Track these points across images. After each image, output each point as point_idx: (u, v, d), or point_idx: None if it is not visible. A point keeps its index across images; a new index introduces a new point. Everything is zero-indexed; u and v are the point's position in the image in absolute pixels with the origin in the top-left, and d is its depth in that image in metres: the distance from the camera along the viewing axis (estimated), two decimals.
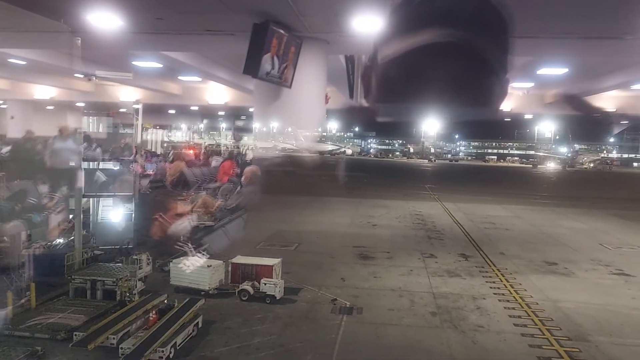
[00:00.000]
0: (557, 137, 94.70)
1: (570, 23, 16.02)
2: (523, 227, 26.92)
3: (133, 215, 16.66)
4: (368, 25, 15.23)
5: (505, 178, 64.03)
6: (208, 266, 13.73)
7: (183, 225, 17.73)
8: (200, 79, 41.00)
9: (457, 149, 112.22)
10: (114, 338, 10.03)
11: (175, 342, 10.08)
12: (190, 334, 10.73)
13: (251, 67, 15.73)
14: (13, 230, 14.36)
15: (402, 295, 14.27)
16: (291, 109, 19.13)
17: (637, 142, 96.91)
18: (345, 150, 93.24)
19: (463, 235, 23.94)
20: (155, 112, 50.40)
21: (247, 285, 13.26)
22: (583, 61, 25.42)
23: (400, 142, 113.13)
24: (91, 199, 16.57)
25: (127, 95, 44.76)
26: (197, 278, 13.56)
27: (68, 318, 11.20)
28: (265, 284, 13.16)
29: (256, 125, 35.95)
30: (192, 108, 56.24)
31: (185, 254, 14.62)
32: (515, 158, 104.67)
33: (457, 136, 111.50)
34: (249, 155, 35.16)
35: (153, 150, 41.36)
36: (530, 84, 35.35)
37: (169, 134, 62.45)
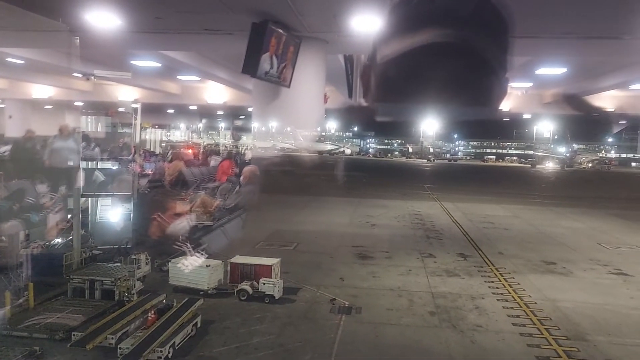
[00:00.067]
0: (556, 137, 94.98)
1: (570, 23, 16.00)
2: (522, 226, 26.95)
3: (132, 214, 16.65)
4: (367, 25, 15.20)
5: (504, 178, 64.12)
6: (207, 266, 13.72)
7: (182, 224, 17.71)
8: (199, 79, 40.89)
9: (456, 148, 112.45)
10: (112, 338, 10.02)
11: (174, 342, 10.08)
12: (189, 333, 10.73)
13: (250, 67, 15.67)
14: (11, 230, 14.31)
15: (400, 295, 14.28)
16: (290, 109, 19.09)
17: (636, 142, 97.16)
18: (344, 150, 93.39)
19: (462, 235, 23.97)
20: (154, 112, 50.27)
21: (246, 285, 13.26)
22: (581, 61, 25.41)
23: (399, 141, 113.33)
24: (90, 199, 16.55)
25: (126, 94, 44.63)
26: (196, 278, 13.55)
27: (66, 318, 11.19)
28: (264, 283, 13.16)
29: (255, 124, 35.96)
30: (191, 107, 56.14)
31: (184, 253, 14.60)
32: (514, 158, 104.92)
33: (456, 136, 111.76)
34: (248, 155, 35.15)
35: (152, 149, 41.38)
36: (529, 84, 35.33)
37: (168, 134, 62.55)
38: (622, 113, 46.66)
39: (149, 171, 25.83)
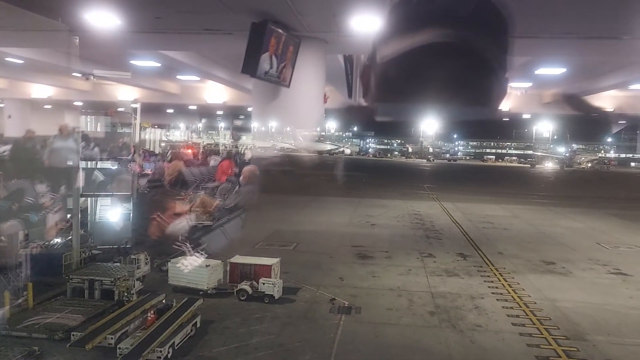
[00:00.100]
0: (555, 137, 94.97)
1: (569, 23, 16.01)
2: (521, 226, 26.96)
3: (131, 214, 16.64)
4: (366, 25, 15.20)
5: (504, 178, 64.15)
6: (206, 266, 13.71)
7: (181, 224, 17.71)
8: (198, 78, 40.92)
9: (456, 148, 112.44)
10: (112, 338, 10.01)
11: (174, 342, 10.07)
12: (189, 333, 10.72)
13: (249, 67, 15.68)
14: (10, 230, 14.30)
15: (400, 295, 14.28)
16: (290, 109, 19.10)
17: (635, 142, 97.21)
18: (343, 150, 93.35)
19: (461, 234, 23.97)
20: (154, 112, 50.27)
21: (245, 285, 13.26)
22: (581, 61, 25.45)
23: (399, 141, 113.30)
24: (89, 199, 16.54)
25: (125, 94, 44.61)
26: (196, 278, 13.54)
27: (66, 318, 11.18)
28: (263, 283, 13.15)
29: (254, 124, 35.93)
30: (191, 107, 56.15)
31: (183, 253, 14.59)
32: (514, 158, 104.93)
33: (455, 136, 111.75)
34: (248, 155, 35.13)
35: (151, 149, 41.34)
36: (529, 84, 35.37)
37: (167, 133, 62.48)
38: (622, 113, 46.72)
39: (148, 171, 25.82)
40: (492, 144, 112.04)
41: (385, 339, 11.24)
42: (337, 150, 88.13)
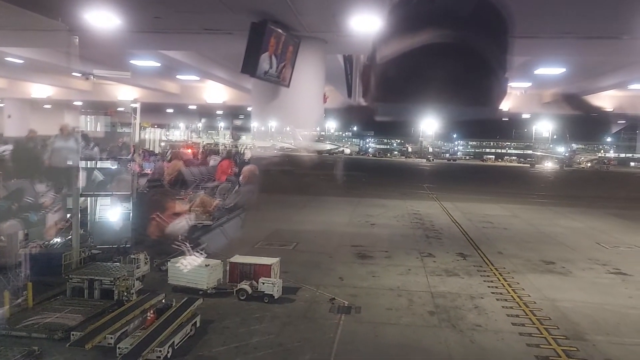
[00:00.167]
0: (555, 137, 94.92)
1: (569, 23, 16.00)
2: (521, 226, 26.97)
3: (131, 214, 16.66)
4: (366, 25, 15.19)
5: (503, 177, 64.16)
6: (206, 265, 13.71)
7: (181, 224, 17.72)
8: (198, 78, 40.89)
9: (455, 148, 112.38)
10: (111, 338, 10.01)
11: (173, 342, 10.08)
12: (188, 333, 10.72)
13: (249, 66, 15.67)
14: (10, 230, 14.32)
15: (400, 295, 14.28)
16: (289, 108, 19.09)
17: (634, 142, 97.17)
18: (343, 150, 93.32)
19: (461, 234, 23.98)
20: (153, 111, 50.21)
21: (245, 285, 13.26)
22: (581, 61, 25.43)
23: (399, 141, 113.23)
24: (89, 198, 16.54)
25: (125, 94, 44.58)
26: (195, 277, 13.55)
27: (65, 317, 11.18)
28: (263, 283, 13.15)
29: (254, 124, 35.97)
30: (190, 107, 56.10)
31: (183, 253, 14.60)
32: (513, 157, 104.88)
33: (455, 136, 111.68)
34: (247, 155, 35.17)
35: (151, 149, 41.35)
36: (528, 84, 35.35)
37: (167, 133, 62.45)
38: (621, 113, 46.69)
39: (148, 171, 25.85)
40: (491, 143, 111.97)
41: (385, 339, 11.25)
42: (336, 150, 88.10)
